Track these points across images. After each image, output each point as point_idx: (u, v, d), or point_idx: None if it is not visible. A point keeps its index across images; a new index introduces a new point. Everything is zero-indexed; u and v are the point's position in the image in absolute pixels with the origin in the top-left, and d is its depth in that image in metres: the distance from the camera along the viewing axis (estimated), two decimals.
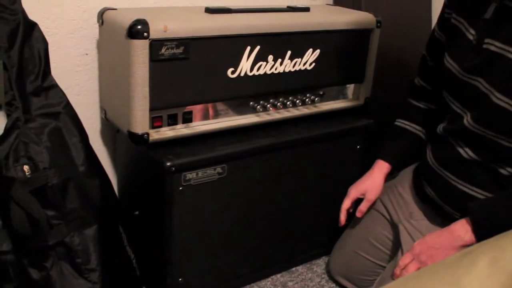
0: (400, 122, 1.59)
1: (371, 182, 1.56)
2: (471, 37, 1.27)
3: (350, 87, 1.81)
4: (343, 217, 1.58)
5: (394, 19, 1.99)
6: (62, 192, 1.28)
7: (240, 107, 1.54)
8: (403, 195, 1.54)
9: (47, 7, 1.48)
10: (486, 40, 1.21)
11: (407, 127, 1.57)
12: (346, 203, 1.58)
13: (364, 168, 1.64)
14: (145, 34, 1.28)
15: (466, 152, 1.29)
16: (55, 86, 1.36)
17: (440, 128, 1.40)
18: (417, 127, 1.56)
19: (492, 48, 1.20)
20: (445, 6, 1.42)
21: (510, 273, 0.90)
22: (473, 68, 1.25)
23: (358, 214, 1.57)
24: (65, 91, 1.39)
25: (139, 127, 1.37)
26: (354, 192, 1.58)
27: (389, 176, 1.62)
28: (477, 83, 1.23)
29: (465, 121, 1.27)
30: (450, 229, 1.26)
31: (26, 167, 1.25)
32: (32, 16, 1.34)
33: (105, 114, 1.56)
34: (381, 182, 1.56)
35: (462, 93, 1.31)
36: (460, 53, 1.31)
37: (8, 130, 1.27)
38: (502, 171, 1.24)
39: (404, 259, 1.30)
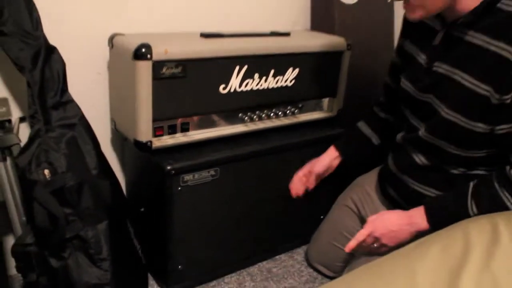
0: (360, 123, 1.60)
1: (318, 160, 1.58)
2: (422, 61, 1.27)
3: (325, 100, 1.82)
4: (294, 183, 1.59)
5: (363, 42, 2.01)
6: (78, 192, 1.29)
7: (231, 118, 1.56)
8: (370, 193, 1.55)
9: (65, 32, 1.49)
10: (435, 64, 1.22)
11: (363, 129, 1.58)
12: (298, 173, 1.59)
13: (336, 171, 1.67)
14: (149, 56, 1.30)
15: (420, 159, 1.31)
16: (71, 101, 1.36)
17: (399, 137, 1.41)
18: (372, 132, 1.57)
19: (440, 70, 1.20)
20: (401, 36, 1.43)
21: (457, 258, 0.92)
22: (425, 88, 1.25)
23: (310, 186, 1.59)
24: (80, 105, 1.40)
25: (143, 136, 1.39)
26: (305, 166, 1.59)
27: (359, 176, 1.66)
28: (429, 100, 1.24)
29: (420, 132, 1.28)
30: (409, 214, 1.26)
31: (46, 171, 1.26)
32: (52, 40, 1.35)
33: (115, 125, 1.57)
34: (326, 162, 1.57)
35: (417, 109, 1.31)
36: (414, 75, 1.31)
37: (31, 139, 1.28)
38: (452, 171, 1.26)
39: (361, 234, 1.29)
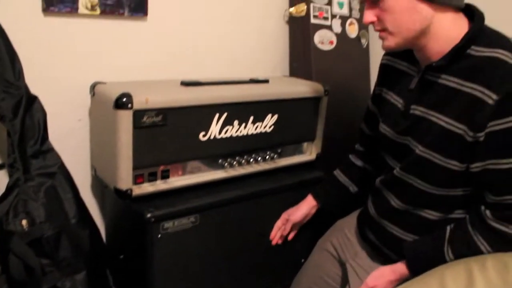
0: (337, 172, 1.62)
1: (296, 209, 1.65)
2: (400, 106, 1.30)
3: (304, 145, 1.84)
4: (273, 233, 1.68)
5: (340, 87, 2.05)
6: (56, 242, 1.27)
7: (210, 164, 1.56)
8: (349, 237, 1.54)
9: (47, 80, 1.50)
10: (412, 107, 1.24)
11: (340, 178, 1.60)
12: (277, 223, 1.67)
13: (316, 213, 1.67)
14: (129, 105, 1.30)
15: (395, 203, 1.32)
16: (51, 149, 1.36)
17: (377, 181, 1.43)
18: (349, 181, 1.59)
19: (417, 112, 1.23)
20: (376, 85, 1.47)
21: None
22: (403, 130, 1.28)
23: (284, 233, 1.67)
24: (61, 152, 1.39)
25: (123, 184, 1.38)
26: (283, 214, 1.67)
27: (339, 219, 1.65)
28: (407, 142, 1.26)
29: (395, 171, 1.31)
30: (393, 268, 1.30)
31: (24, 222, 1.24)
32: (33, 88, 1.36)
33: (95, 171, 1.56)
34: (304, 211, 1.63)
35: (395, 151, 1.33)
36: (392, 120, 1.34)
37: (9, 188, 1.27)
38: (428, 216, 1.27)
39: None
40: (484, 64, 1.10)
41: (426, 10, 1.12)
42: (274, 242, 1.67)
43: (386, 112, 1.39)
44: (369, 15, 1.17)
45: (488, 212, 1.15)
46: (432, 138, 1.19)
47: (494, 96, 1.06)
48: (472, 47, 1.13)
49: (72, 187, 1.37)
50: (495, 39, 1.13)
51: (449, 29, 1.15)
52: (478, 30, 1.14)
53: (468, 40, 1.13)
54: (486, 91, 1.07)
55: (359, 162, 1.58)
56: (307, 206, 1.63)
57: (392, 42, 1.18)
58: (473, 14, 1.17)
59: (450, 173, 1.17)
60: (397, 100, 1.32)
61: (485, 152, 1.11)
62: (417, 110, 1.23)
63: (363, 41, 2.19)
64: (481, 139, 1.09)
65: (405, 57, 1.32)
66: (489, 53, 1.10)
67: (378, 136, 1.40)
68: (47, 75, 1.50)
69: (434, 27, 1.14)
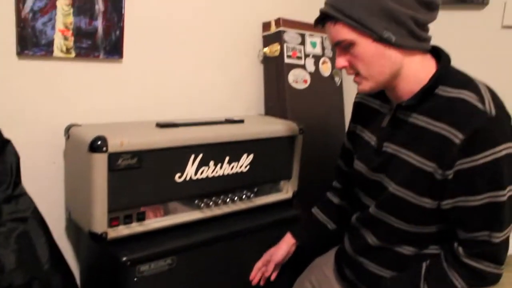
0: (315, 210, 1.63)
1: (276, 249, 1.64)
2: (373, 143, 1.33)
3: (280, 183, 1.84)
4: (253, 274, 1.67)
5: (315, 125, 2.08)
6: None
7: (187, 205, 1.54)
8: (328, 275, 1.54)
9: (21, 123, 1.49)
10: (385, 144, 1.27)
11: (318, 216, 1.61)
12: (258, 264, 1.66)
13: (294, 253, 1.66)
14: (104, 148, 1.30)
15: (372, 240, 1.33)
16: (24, 194, 1.33)
17: (353, 219, 1.43)
18: (327, 218, 1.59)
19: (389, 150, 1.25)
20: (351, 122, 1.50)
21: None
22: (376, 167, 1.30)
23: (266, 274, 1.67)
24: (35, 194, 1.37)
25: (98, 227, 1.35)
26: (264, 255, 1.66)
27: (317, 256, 1.65)
28: (379, 179, 1.28)
29: (370, 209, 1.32)
30: None
31: None
32: (7, 130, 1.34)
33: (69, 214, 1.53)
34: (284, 250, 1.63)
35: (369, 188, 1.35)
36: (366, 156, 1.36)
37: None
38: (404, 251, 1.27)
39: None
40: (450, 104, 1.14)
41: (395, 55, 1.16)
42: (254, 283, 1.66)
43: (360, 149, 1.41)
44: (341, 61, 1.21)
45: (460, 249, 1.17)
46: (404, 176, 1.21)
47: (461, 136, 1.09)
48: (440, 87, 1.17)
49: (45, 232, 1.34)
50: (460, 80, 1.18)
51: (418, 71, 1.19)
52: (445, 71, 1.18)
53: (435, 81, 1.17)
54: (453, 131, 1.10)
55: (336, 199, 1.59)
56: (286, 244, 1.62)
57: (366, 86, 1.21)
58: (440, 55, 1.21)
59: (423, 211, 1.19)
60: (370, 138, 1.35)
61: (454, 190, 1.13)
62: (389, 147, 1.26)
63: (337, 79, 2.24)
64: (450, 177, 1.12)
65: (377, 96, 1.36)
66: (455, 94, 1.14)
67: (353, 172, 1.42)
68: (21, 117, 1.49)
69: (404, 69, 1.18)
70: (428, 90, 1.17)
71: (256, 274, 1.66)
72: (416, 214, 1.21)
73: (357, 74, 1.21)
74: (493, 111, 1.09)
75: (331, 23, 1.16)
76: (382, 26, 1.11)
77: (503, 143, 1.08)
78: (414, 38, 1.15)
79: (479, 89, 1.14)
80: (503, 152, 1.08)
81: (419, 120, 1.19)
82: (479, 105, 1.10)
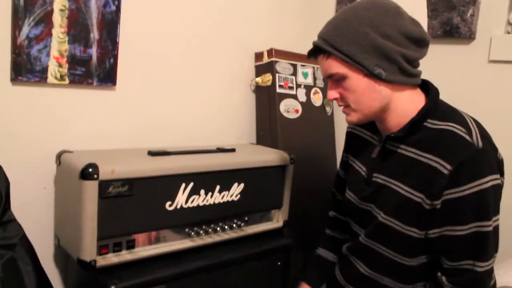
0: (321, 251, 1.58)
1: None
2: (363, 173, 1.35)
3: (271, 212, 1.83)
4: None
5: (306, 154, 2.09)
6: None
7: (177, 234, 1.53)
8: None
9: (12, 148, 1.49)
10: (374, 175, 1.29)
11: (327, 256, 1.56)
12: None
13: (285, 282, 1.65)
14: (95, 176, 1.30)
15: (363, 268, 1.33)
16: (13, 220, 1.32)
17: (344, 248, 1.44)
18: (334, 255, 1.55)
19: (379, 180, 1.27)
20: (343, 151, 1.52)
21: None
22: (366, 197, 1.31)
23: None
24: (24, 220, 1.35)
25: (87, 255, 1.34)
26: None
27: None
28: (369, 208, 1.30)
29: (360, 238, 1.33)
30: None
31: None
32: None
33: (58, 241, 1.52)
34: None
35: (359, 217, 1.36)
36: (356, 186, 1.38)
37: None
38: (394, 286, 1.28)
39: None
40: (439, 136, 1.16)
41: (384, 90, 1.18)
42: None
43: (351, 179, 1.43)
44: (333, 93, 1.23)
45: (444, 278, 1.18)
46: (393, 206, 1.23)
47: (449, 166, 1.11)
48: (428, 120, 1.20)
49: (33, 259, 1.32)
50: (448, 113, 1.21)
51: (407, 104, 1.21)
52: (433, 105, 1.21)
53: (423, 114, 1.19)
54: (441, 162, 1.13)
55: (336, 234, 1.57)
56: None
57: (354, 117, 1.24)
58: (428, 89, 1.24)
59: (411, 240, 1.20)
60: (361, 168, 1.37)
61: (441, 219, 1.15)
62: (379, 178, 1.27)
63: (328, 109, 2.26)
64: (438, 206, 1.14)
65: (368, 127, 1.38)
66: (443, 126, 1.17)
67: (345, 201, 1.43)
68: (13, 142, 1.49)
69: (393, 103, 1.21)
70: (416, 123, 1.20)
71: None
72: (404, 243, 1.22)
73: (346, 105, 1.23)
74: (480, 143, 1.12)
75: (324, 56, 1.19)
76: (373, 63, 1.14)
77: (489, 174, 1.11)
78: (404, 74, 1.17)
79: (466, 121, 1.17)
80: (489, 184, 1.10)
81: (408, 151, 1.21)
82: (467, 137, 1.12)
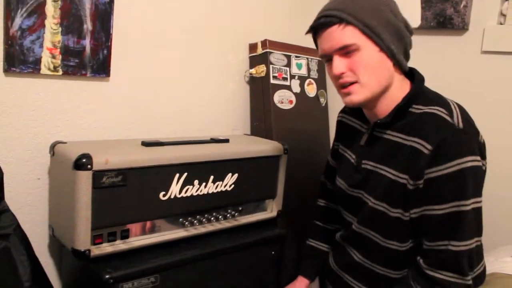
0: (313, 242, 1.60)
1: None
2: (352, 160, 1.37)
3: (265, 202, 1.84)
4: None
5: (300, 144, 2.10)
6: None
7: (171, 223, 1.54)
8: None
9: (6, 139, 1.49)
10: (363, 161, 1.32)
11: (319, 246, 1.58)
12: None
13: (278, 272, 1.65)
14: (89, 166, 1.30)
15: (357, 256, 1.35)
16: (7, 210, 1.33)
17: (337, 236, 1.45)
18: (326, 245, 1.58)
19: (368, 167, 1.30)
20: (334, 140, 1.53)
21: None
22: (356, 184, 1.34)
23: None
24: (18, 210, 1.36)
25: (81, 245, 1.35)
26: None
27: None
28: (359, 195, 1.32)
29: (353, 226, 1.34)
30: None
31: None
32: None
33: (53, 231, 1.52)
34: None
35: (350, 204, 1.38)
36: (346, 173, 1.40)
37: None
38: (387, 274, 1.29)
39: None
40: (422, 119, 1.19)
41: (391, 69, 1.20)
42: None
43: (341, 167, 1.45)
44: (341, 66, 1.19)
45: (422, 261, 1.20)
46: (381, 190, 1.25)
47: (429, 146, 1.14)
48: (413, 105, 1.22)
49: (27, 249, 1.33)
50: (432, 98, 1.24)
51: (397, 89, 1.24)
52: (418, 91, 1.24)
53: (408, 100, 1.22)
54: (423, 142, 1.15)
55: (326, 224, 1.59)
56: (301, 284, 1.57)
57: (361, 95, 1.21)
58: (413, 76, 1.26)
59: (400, 224, 1.22)
60: (350, 155, 1.38)
61: (422, 198, 1.17)
62: (368, 164, 1.30)
63: (322, 100, 2.27)
64: (421, 186, 1.16)
65: (357, 116, 1.39)
66: (426, 109, 1.20)
67: (335, 189, 1.45)
68: (6, 133, 1.49)
69: (390, 86, 1.22)
70: (401, 109, 1.22)
71: None
72: (394, 227, 1.24)
73: (354, 82, 1.20)
74: (461, 124, 1.14)
75: (340, 26, 1.16)
76: (388, 39, 1.15)
77: (469, 155, 1.12)
78: (406, 57, 1.20)
79: (449, 104, 1.19)
80: (468, 164, 1.12)
81: (394, 136, 1.24)
82: (448, 118, 1.15)
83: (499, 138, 1.77)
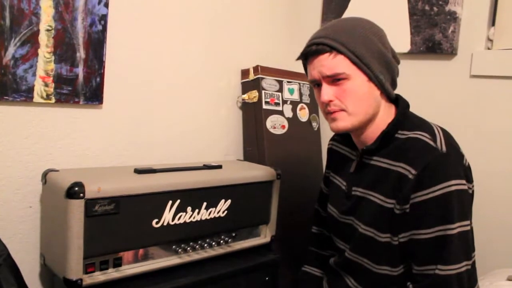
0: (308, 268, 1.58)
1: None
2: (343, 187, 1.37)
3: (258, 228, 1.83)
4: None
5: (293, 169, 2.10)
6: None
7: (164, 251, 1.53)
8: None
9: None
10: (353, 188, 1.32)
11: (314, 272, 1.57)
12: None
13: None
14: (81, 194, 1.29)
15: (352, 283, 1.34)
16: None
17: (331, 261, 1.44)
18: (321, 271, 1.56)
19: (358, 193, 1.30)
20: (325, 167, 1.54)
21: None
22: (346, 211, 1.34)
23: None
24: (9, 239, 1.35)
25: (73, 274, 1.33)
26: None
27: None
28: (350, 222, 1.32)
29: (346, 253, 1.34)
30: None
31: None
32: None
33: (44, 260, 1.51)
34: None
35: (341, 231, 1.38)
36: (337, 200, 1.40)
37: None
38: None
39: None
40: (406, 144, 1.20)
41: (378, 98, 1.22)
42: None
43: (332, 194, 1.45)
44: (329, 94, 1.20)
45: (411, 286, 1.19)
46: (370, 216, 1.25)
47: (413, 171, 1.14)
48: (399, 131, 1.24)
49: (17, 279, 1.31)
50: (416, 123, 1.25)
51: (384, 115, 1.26)
52: (402, 117, 1.25)
53: (393, 126, 1.23)
54: (408, 167, 1.16)
55: (321, 250, 1.58)
56: None
57: (347, 122, 1.22)
58: (398, 101, 1.28)
59: (390, 249, 1.22)
60: (341, 182, 1.39)
61: (409, 223, 1.17)
62: (358, 191, 1.31)
63: (314, 124, 2.28)
64: (407, 210, 1.16)
65: (347, 143, 1.40)
66: (410, 134, 1.21)
67: (327, 216, 1.45)
68: None
69: (377, 114, 1.24)
70: (387, 135, 1.24)
71: None
72: (385, 253, 1.24)
73: (341, 109, 1.21)
74: (444, 148, 1.15)
75: (330, 54, 1.18)
76: (377, 68, 1.17)
77: (453, 179, 1.13)
78: (393, 85, 1.22)
79: (432, 129, 1.21)
80: (453, 188, 1.12)
81: (381, 162, 1.25)
82: (431, 143, 1.16)
83: (488, 162, 1.78)
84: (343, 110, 1.21)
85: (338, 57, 1.17)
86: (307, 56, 1.23)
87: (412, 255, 1.19)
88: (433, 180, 1.13)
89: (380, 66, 1.18)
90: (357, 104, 1.20)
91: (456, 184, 1.13)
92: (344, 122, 1.22)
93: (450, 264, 1.13)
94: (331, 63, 1.18)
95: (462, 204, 1.15)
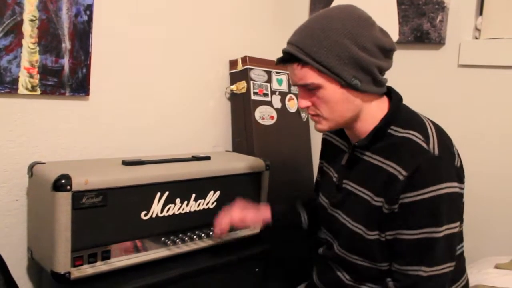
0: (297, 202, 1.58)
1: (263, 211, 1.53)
2: (335, 179, 1.36)
3: None
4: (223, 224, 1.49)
5: (282, 160, 2.10)
6: None
7: (153, 243, 1.52)
8: None
9: None
10: (344, 181, 1.31)
11: (298, 205, 1.57)
12: (233, 217, 1.49)
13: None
14: (68, 187, 1.28)
15: (344, 276, 1.34)
16: None
17: (320, 251, 1.44)
18: (304, 211, 1.55)
19: (348, 187, 1.29)
20: (320, 158, 1.53)
21: None
22: (336, 203, 1.33)
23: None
24: None
25: (61, 267, 1.32)
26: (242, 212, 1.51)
27: None
28: (337, 215, 1.32)
29: (335, 248, 1.34)
30: None
31: None
32: None
33: (31, 254, 1.49)
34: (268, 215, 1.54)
35: (329, 224, 1.37)
36: (328, 192, 1.39)
37: None
38: None
39: None
40: (399, 144, 1.19)
41: (357, 100, 1.20)
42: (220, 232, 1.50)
43: (324, 184, 1.44)
44: (305, 102, 1.22)
45: (391, 283, 1.20)
46: (359, 212, 1.24)
47: (404, 172, 1.13)
48: (392, 127, 1.22)
49: (4, 273, 1.30)
50: (410, 120, 1.23)
51: (375, 111, 1.23)
52: (395, 112, 1.23)
53: (385, 122, 1.22)
54: (398, 168, 1.15)
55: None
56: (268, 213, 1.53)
57: (325, 126, 1.23)
58: (391, 95, 1.26)
59: (379, 246, 1.22)
60: (333, 174, 1.38)
61: (397, 222, 1.17)
62: (348, 184, 1.29)
63: (303, 115, 2.28)
64: (396, 210, 1.16)
65: (340, 134, 1.39)
66: (404, 133, 1.19)
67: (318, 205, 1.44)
68: None
69: (363, 112, 1.23)
70: (380, 130, 1.22)
71: (226, 225, 1.49)
72: (374, 249, 1.23)
73: (317, 114, 1.23)
74: (437, 151, 1.14)
75: (299, 65, 1.17)
76: (350, 74, 1.14)
77: (444, 182, 1.12)
78: (376, 84, 1.19)
79: (426, 129, 1.19)
80: (443, 191, 1.12)
81: (373, 158, 1.23)
82: (424, 145, 1.15)
83: (476, 151, 1.80)
84: (319, 115, 1.22)
85: (305, 68, 1.16)
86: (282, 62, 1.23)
87: (396, 254, 1.19)
88: (424, 182, 1.12)
89: (354, 71, 1.14)
90: (331, 110, 1.20)
91: (447, 187, 1.12)
92: (322, 125, 1.24)
93: (433, 265, 1.14)
94: (299, 73, 1.17)
95: (451, 207, 1.15)
